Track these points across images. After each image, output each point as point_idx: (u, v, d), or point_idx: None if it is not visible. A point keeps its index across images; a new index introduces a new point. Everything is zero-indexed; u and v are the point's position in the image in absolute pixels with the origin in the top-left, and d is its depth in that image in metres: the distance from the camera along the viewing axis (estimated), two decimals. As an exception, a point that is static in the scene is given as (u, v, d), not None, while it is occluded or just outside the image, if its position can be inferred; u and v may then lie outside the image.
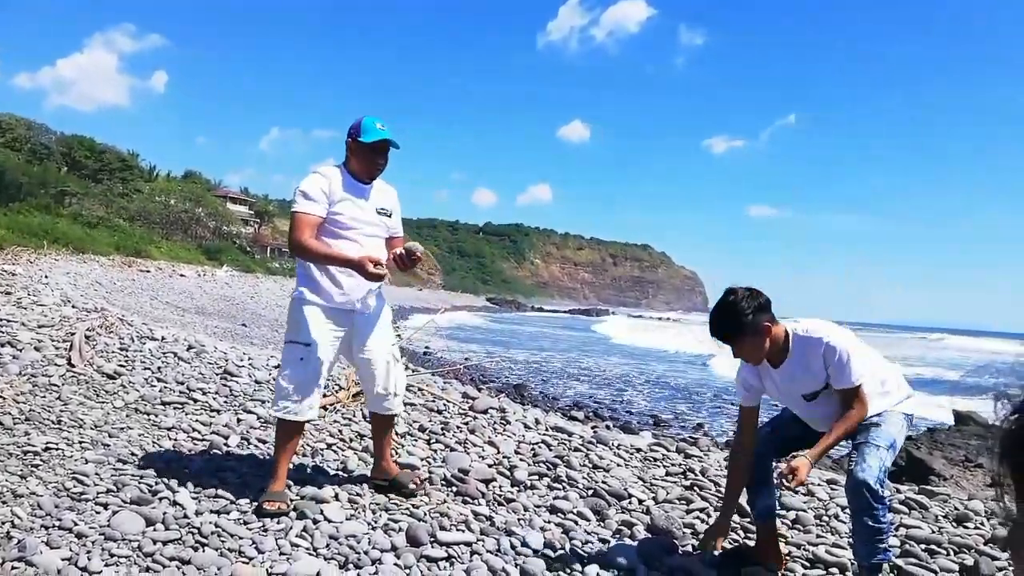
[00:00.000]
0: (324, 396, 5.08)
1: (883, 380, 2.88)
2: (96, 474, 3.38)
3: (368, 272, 3.14)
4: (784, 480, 2.69)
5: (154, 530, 2.88)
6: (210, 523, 2.97)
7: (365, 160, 3.37)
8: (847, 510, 3.70)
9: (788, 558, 3.13)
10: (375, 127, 3.34)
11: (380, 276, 3.21)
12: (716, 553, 3.03)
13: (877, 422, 2.78)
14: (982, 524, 3.71)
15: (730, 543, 3.31)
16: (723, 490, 3.91)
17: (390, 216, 3.52)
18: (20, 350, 5.53)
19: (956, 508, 3.92)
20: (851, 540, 3.00)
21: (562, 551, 3.03)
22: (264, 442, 4.14)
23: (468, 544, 3.03)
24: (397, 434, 4.49)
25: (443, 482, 3.75)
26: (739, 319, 2.73)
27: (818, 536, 3.43)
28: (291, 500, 3.24)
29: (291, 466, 3.75)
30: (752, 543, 3.20)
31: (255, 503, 3.19)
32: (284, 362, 3.37)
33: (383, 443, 3.61)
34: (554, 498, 3.67)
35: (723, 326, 2.78)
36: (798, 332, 2.81)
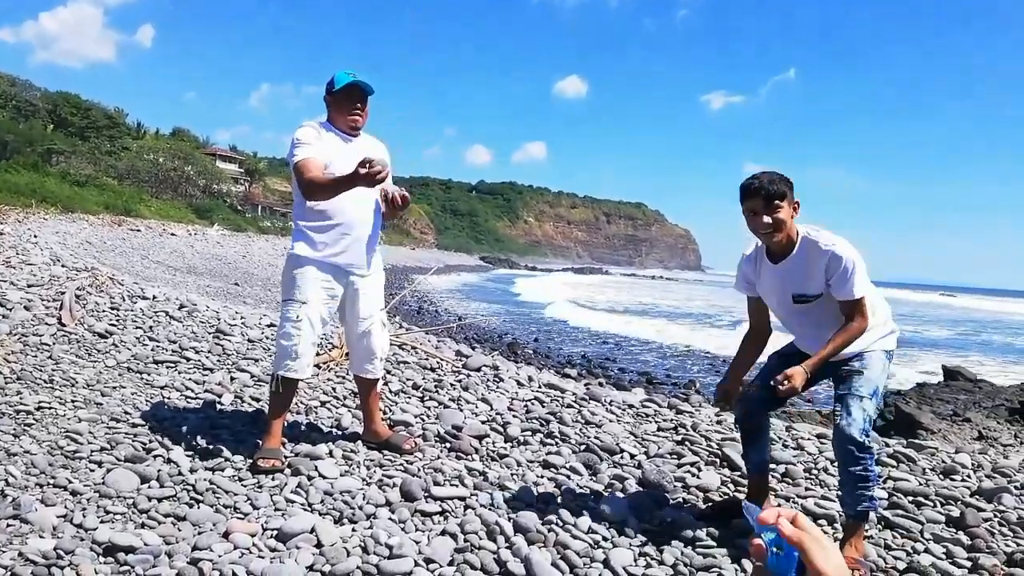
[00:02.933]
0: (317, 355, 5.08)
1: (873, 310, 2.81)
2: (89, 432, 3.39)
3: (361, 176, 2.99)
4: (779, 386, 2.71)
5: (149, 487, 2.90)
6: (205, 480, 2.98)
7: (342, 110, 3.34)
8: (836, 463, 3.75)
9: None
10: (346, 75, 3.31)
11: (375, 174, 2.99)
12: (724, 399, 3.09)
13: (859, 368, 2.76)
14: (968, 477, 3.77)
15: (719, 496, 3.35)
16: (713, 444, 3.96)
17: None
18: (10, 310, 5.50)
19: (943, 461, 3.98)
20: (839, 491, 3.03)
21: (555, 505, 3.06)
22: (257, 400, 4.15)
23: (462, 499, 3.06)
24: (391, 392, 4.50)
25: (437, 438, 3.78)
26: (782, 184, 2.72)
27: (807, 489, 3.48)
28: (285, 457, 3.26)
29: (285, 424, 3.77)
30: (741, 496, 3.25)
31: (250, 460, 3.21)
32: (281, 320, 3.36)
33: (371, 406, 3.61)
34: (547, 453, 3.70)
35: (770, 185, 2.71)
36: (809, 235, 2.77)
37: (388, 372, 4.85)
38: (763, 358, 3.20)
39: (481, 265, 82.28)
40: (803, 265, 2.77)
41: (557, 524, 2.87)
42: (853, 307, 2.72)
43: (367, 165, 2.99)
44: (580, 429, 4.09)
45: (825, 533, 2.92)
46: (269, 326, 6.08)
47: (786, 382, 2.69)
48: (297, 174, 3.25)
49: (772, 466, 3.52)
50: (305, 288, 3.29)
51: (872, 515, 2.84)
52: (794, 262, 2.79)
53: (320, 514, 2.82)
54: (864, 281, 2.71)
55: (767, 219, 2.74)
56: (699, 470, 3.62)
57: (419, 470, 3.30)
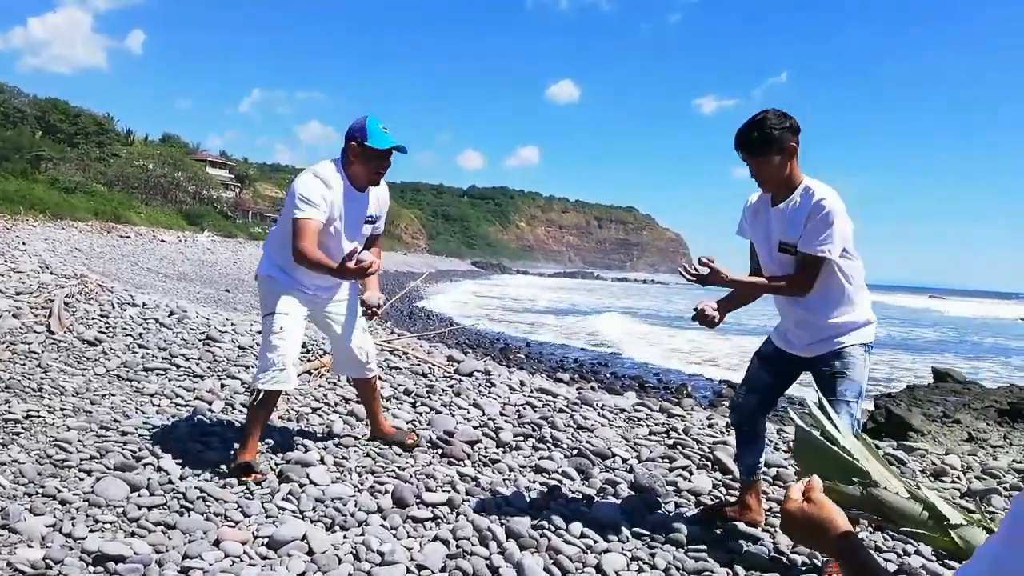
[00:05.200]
0: (308, 361, 5.07)
1: (852, 291, 2.78)
2: (79, 441, 3.36)
3: (350, 271, 3.10)
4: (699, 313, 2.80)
5: (139, 496, 2.88)
6: (195, 488, 2.96)
7: (371, 167, 3.23)
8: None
9: (768, 513, 3.18)
10: (382, 132, 3.17)
11: (362, 271, 3.09)
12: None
13: (841, 370, 2.73)
14: (958, 478, 3.79)
15: (711, 500, 3.36)
16: (705, 448, 3.97)
17: (375, 222, 3.48)
18: (-2, 318, 5.46)
19: (933, 463, 4.00)
20: None
21: (547, 510, 3.06)
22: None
23: (454, 504, 3.05)
24: (382, 397, 4.49)
25: (429, 444, 3.77)
26: (768, 131, 2.63)
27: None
28: (276, 464, 3.25)
29: (276, 429, 3.76)
30: (732, 500, 3.26)
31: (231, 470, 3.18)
32: (264, 333, 3.33)
33: (374, 407, 3.72)
34: (539, 458, 3.70)
35: (750, 137, 2.67)
36: (809, 184, 2.72)
37: (379, 378, 4.84)
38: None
39: (473, 270, 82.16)
40: (794, 211, 2.72)
41: (549, 529, 2.87)
42: (807, 264, 2.67)
43: (355, 260, 3.06)
44: (572, 434, 4.09)
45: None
46: (260, 332, 6.05)
47: (706, 312, 2.78)
48: (294, 232, 3.14)
49: (764, 469, 3.53)
50: (284, 301, 3.29)
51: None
52: (787, 207, 2.74)
53: (311, 521, 2.81)
54: (833, 245, 2.63)
55: (754, 174, 2.76)
56: (691, 474, 3.63)
57: (411, 476, 3.29)
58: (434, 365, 5.46)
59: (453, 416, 4.22)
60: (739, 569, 2.69)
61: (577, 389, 5.98)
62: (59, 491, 2.84)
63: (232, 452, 3.39)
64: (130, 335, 5.53)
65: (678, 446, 4.01)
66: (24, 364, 4.55)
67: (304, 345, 5.61)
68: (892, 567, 2.82)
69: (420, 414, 4.27)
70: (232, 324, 6.34)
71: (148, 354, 5.09)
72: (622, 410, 4.73)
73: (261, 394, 3.27)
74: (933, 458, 4.11)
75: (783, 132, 2.65)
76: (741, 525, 3.02)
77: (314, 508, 2.91)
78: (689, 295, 51.15)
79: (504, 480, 3.41)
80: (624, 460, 3.78)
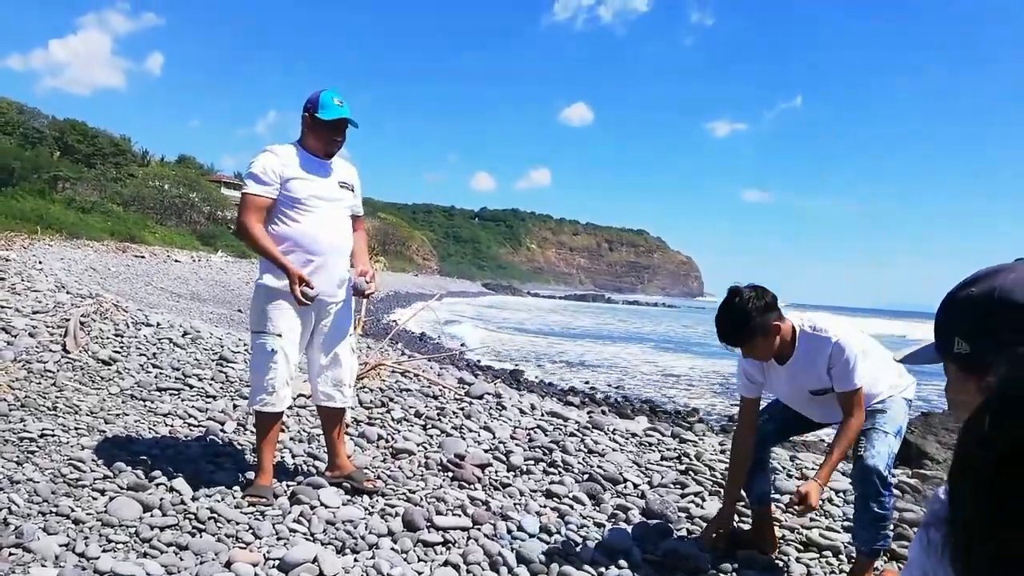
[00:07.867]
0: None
1: (887, 371, 2.82)
2: (92, 460, 3.38)
3: (294, 291, 3.06)
4: (794, 508, 2.66)
5: (151, 516, 2.88)
6: (207, 508, 2.96)
7: (323, 137, 3.25)
8: (842, 494, 3.72)
9: (782, 541, 3.15)
10: (334, 103, 3.22)
11: (306, 301, 3.09)
12: (714, 537, 3.02)
13: (882, 408, 2.75)
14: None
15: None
16: (717, 474, 3.94)
17: (352, 190, 3.40)
18: (15, 336, 5.51)
19: (948, 492, 3.95)
20: (851, 524, 3.01)
21: (557, 535, 3.05)
22: (260, 428, 4.14)
23: (464, 529, 3.04)
24: (393, 419, 4.50)
25: (439, 467, 3.77)
26: (748, 322, 2.62)
27: (812, 520, 3.45)
28: (288, 486, 3.25)
29: (287, 450, 3.77)
30: (747, 527, 3.23)
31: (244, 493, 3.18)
32: (255, 353, 3.26)
33: (335, 438, 3.42)
34: (550, 483, 3.68)
35: (733, 330, 2.67)
36: (805, 328, 2.72)
37: (391, 400, 4.85)
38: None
39: (484, 291, 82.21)
40: (809, 361, 2.73)
41: (560, 555, 2.85)
42: (851, 398, 2.68)
43: (302, 290, 3.06)
44: (583, 458, 4.08)
45: (829, 564, 2.90)
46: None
47: (801, 504, 2.61)
48: (239, 206, 3.21)
49: (776, 496, 3.50)
50: (278, 320, 3.18)
51: (882, 551, 2.82)
52: (799, 361, 2.75)
53: (322, 543, 2.80)
54: (864, 369, 2.67)
55: (745, 355, 2.79)
56: (703, 500, 3.60)
57: (421, 499, 3.29)
58: (445, 387, 5.46)
59: (464, 439, 4.22)
60: (752, 598, 2.67)
61: (588, 413, 5.95)
62: (73, 510, 2.85)
63: (245, 475, 3.40)
64: (144, 355, 5.57)
65: (690, 472, 3.99)
66: (40, 383, 4.59)
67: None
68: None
69: (431, 436, 4.26)
70: (245, 344, 6.37)
71: (162, 374, 5.12)
72: (633, 435, 4.71)
73: (258, 417, 3.26)
74: (949, 487, 4.07)
75: (762, 316, 2.63)
76: (754, 553, 2.99)
77: (325, 531, 2.91)
78: (695, 318, 50.77)
79: (515, 504, 3.39)
80: (636, 485, 3.75)
